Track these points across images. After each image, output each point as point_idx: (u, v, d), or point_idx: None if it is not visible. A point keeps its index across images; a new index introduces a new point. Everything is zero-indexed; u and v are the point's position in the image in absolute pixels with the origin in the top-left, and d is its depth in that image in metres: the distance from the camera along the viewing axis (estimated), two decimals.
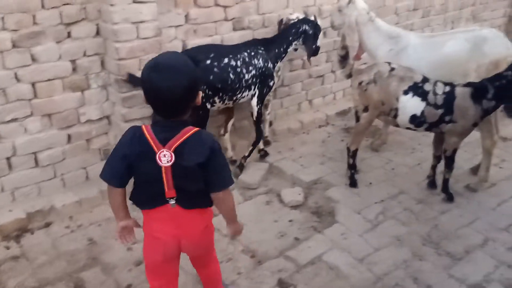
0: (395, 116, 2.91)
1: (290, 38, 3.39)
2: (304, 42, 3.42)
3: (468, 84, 2.81)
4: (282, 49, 3.38)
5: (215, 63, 2.96)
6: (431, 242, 2.65)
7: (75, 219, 2.81)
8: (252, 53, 3.17)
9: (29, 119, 2.72)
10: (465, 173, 3.39)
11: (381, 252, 2.56)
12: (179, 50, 3.21)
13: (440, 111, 2.79)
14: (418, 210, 2.95)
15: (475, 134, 3.73)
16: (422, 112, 2.81)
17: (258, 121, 3.35)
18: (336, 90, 4.57)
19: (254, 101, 3.26)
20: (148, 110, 2.95)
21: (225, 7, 3.36)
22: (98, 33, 2.82)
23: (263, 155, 3.57)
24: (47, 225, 2.75)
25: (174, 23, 3.13)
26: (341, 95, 4.65)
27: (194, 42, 3.26)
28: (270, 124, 3.91)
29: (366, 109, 2.95)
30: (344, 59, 3.02)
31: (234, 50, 3.14)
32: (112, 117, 3.03)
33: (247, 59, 3.12)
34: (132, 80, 2.81)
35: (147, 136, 1.59)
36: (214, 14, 3.32)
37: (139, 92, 2.90)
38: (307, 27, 3.40)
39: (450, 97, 2.78)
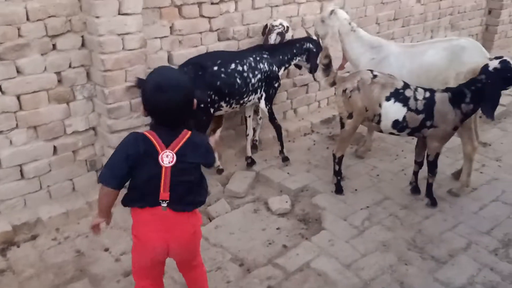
0: (379, 121, 2.98)
1: (294, 51, 3.56)
2: (308, 59, 3.63)
3: (446, 90, 2.91)
4: (286, 58, 3.55)
5: (222, 69, 3.11)
6: (416, 246, 2.71)
7: (62, 231, 2.78)
8: (258, 58, 3.33)
9: (14, 131, 2.70)
10: (447, 178, 3.48)
11: (367, 257, 2.60)
12: (165, 61, 3.24)
13: (421, 116, 2.88)
14: (403, 215, 3.01)
15: (456, 140, 3.84)
16: (404, 118, 2.89)
17: (272, 119, 3.55)
18: (321, 98, 4.64)
19: (263, 103, 3.44)
20: (134, 121, 2.96)
21: (209, 18, 3.40)
22: (83, 45, 2.83)
23: (250, 163, 3.61)
24: (34, 237, 2.71)
25: (160, 34, 3.16)
26: (325, 103, 4.73)
27: (179, 52, 3.30)
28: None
29: (350, 116, 3.02)
30: (327, 68, 3.09)
31: (240, 55, 3.31)
32: (98, 128, 3.03)
33: (253, 64, 3.29)
34: (141, 84, 2.87)
35: (151, 138, 1.72)
36: (199, 25, 3.36)
37: (125, 103, 2.91)
38: (311, 46, 3.61)
39: (430, 102, 2.87)
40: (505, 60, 2.73)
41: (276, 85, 3.49)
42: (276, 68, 3.46)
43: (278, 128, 3.60)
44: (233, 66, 3.16)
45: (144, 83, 1.80)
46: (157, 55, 3.17)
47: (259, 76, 3.30)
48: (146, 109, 1.75)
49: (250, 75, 3.25)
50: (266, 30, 3.61)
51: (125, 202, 1.82)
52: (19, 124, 2.70)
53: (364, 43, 3.47)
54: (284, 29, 3.58)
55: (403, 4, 5.03)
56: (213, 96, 3.08)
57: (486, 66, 2.76)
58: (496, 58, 2.79)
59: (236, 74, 3.17)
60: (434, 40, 3.54)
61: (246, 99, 3.30)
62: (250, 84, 3.25)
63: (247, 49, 3.51)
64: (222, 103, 3.17)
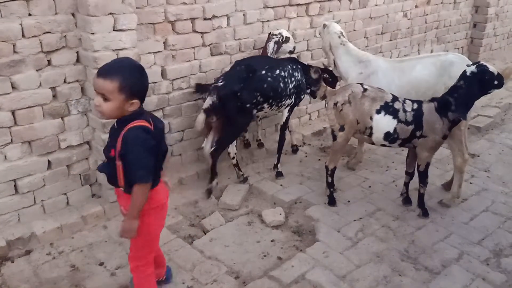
0: (370, 134, 3.05)
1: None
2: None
3: (432, 100, 3.00)
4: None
5: (269, 73, 3.40)
6: (409, 257, 2.75)
7: (56, 246, 2.77)
8: (294, 67, 3.62)
9: (9, 146, 2.70)
10: (437, 189, 3.54)
11: (362, 268, 2.63)
12: (159, 75, 3.29)
13: (411, 127, 2.95)
14: (395, 226, 3.05)
15: (445, 151, 3.93)
16: (395, 129, 2.96)
17: (283, 129, 3.76)
18: (311, 111, 4.71)
19: (287, 110, 3.67)
20: None
21: (202, 33, 3.46)
22: (78, 60, 2.85)
23: (295, 150, 4.08)
24: (28, 252, 2.69)
25: (153, 50, 3.21)
26: (316, 115, 4.80)
27: (172, 67, 3.35)
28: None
29: (342, 128, 3.07)
30: (316, 82, 3.16)
31: (282, 62, 3.59)
32: (93, 142, 3.04)
33: (290, 71, 3.56)
34: (200, 89, 3.34)
35: (149, 126, 1.93)
36: (192, 40, 3.42)
37: None
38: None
39: (418, 113, 2.95)
40: (482, 64, 2.83)
41: (302, 96, 3.74)
42: (305, 82, 3.69)
43: (282, 139, 3.75)
44: (277, 71, 3.45)
45: (132, 75, 1.89)
46: (151, 70, 3.21)
47: (294, 83, 3.57)
48: (138, 98, 1.90)
49: (289, 81, 3.52)
50: (268, 38, 3.75)
51: (153, 185, 2.00)
52: (13, 139, 2.70)
53: (352, 57, 3.56)
54: (282, 38, 3.71)
55: (390, 18, 5.16)
56: (258, 97, 3.34)
57: (464, 71, 2.85)
58: (474, 64, 2.88)
59: (280, 79, 3.44)
60: (422, 56, 3.63)
61: (283, 102, 3.56)
62: (288, 89, 3.52)
63: (284, 58, 3.78)
64: (265, 105, 3.44)
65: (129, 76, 1.86)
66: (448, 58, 3.28)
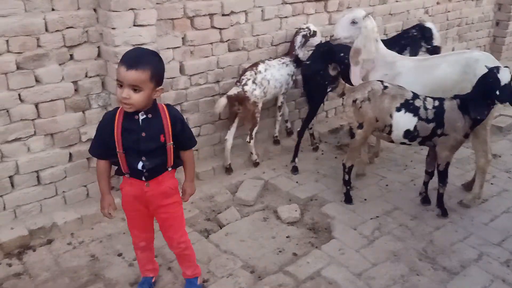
0: (390, 132, 3.01)
1: None
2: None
3: (455, 97, 2.93)
4: None
5: (347, 56, 3.44)
6: (427, 257, 2.71)
7: (76, 236, 2.83)
8: None
9: (32, 139, 2.77)
10: (457, 189, 3.48)
11: (378, 267, 2.61)
12: (177, 71, 3.33)
13: (431, 125, 2.91)
14: (413, 225, 3.01)
15: (465, 151, 3.86)
16: (415, 127, 2.92)
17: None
18: (328, 108, 4.68)
19: None
20: None
21: (220, 29, 3.48)
22: (99, 55, 2.90)
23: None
24: (49, 242, 2.76)
25: (172, 45, 3.24)
26: (333, 113, 4.77)
27: (190, 63, 3.37)
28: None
29: (360, 126, 3.05)
30: (335, 79, 3.12)
31: None
32: None
33: None
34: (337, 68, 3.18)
35: None
36: (210, 36, 3.43)
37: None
38: None
39: (440, 110, 2.90)
40: (497, 67, 2.74)
41: None
42: None
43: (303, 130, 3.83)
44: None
45: (158, 62, 1.95)
46: (169, 65, 3.24)
47: None
48: (161, 84, 1.97)
49: None
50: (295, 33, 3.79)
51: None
52: (36, 131, 2.77)
53: (379, 56, 3.36)
54: (310, 32, 3.73)
55: (411, 15, 5.08)
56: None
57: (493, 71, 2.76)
58: (496, 66, 2.81)
59: None
60: (445, 54, 3.49)
61: None
62: None
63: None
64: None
65: (157, 64, 1.93)
66: (473, 55, 3.20)
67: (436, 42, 3.99)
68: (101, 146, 2.05)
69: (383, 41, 3.59)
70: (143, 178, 2.06)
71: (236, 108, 3.49)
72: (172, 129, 2.02)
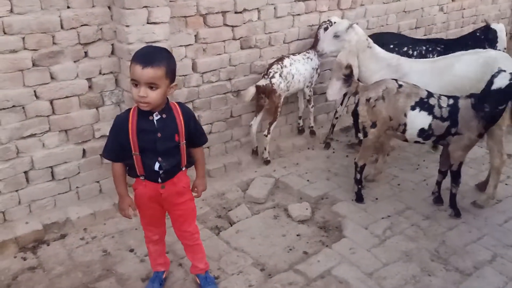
0: (404, 131, 2.98)
1: None
2: None
3: (470, 95, 2.89)
4: None
5: (396, 49, 3.74)
6: (439, 257, 2.69)
7: (89, 231, 2.87)
8: (430, 49, 3.80)
9: (47, 135, 2.80)
10: (471, 189, 3.44)
11: (390, 267, 2.59)
12: (189, 68, 3.34)
13: (446, 124, 2.88)
14: (426, 225, 2.99)
15: (479, 151, 3.81)
16: (430, 126, 2.90)
17: None
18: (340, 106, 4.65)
19: None
20: None
21: (233, 26, 3.47)
22: (113, 52, 2.93)
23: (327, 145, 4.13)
24: (63, 236, 2.80)
25: (185, 43, 3.25)
26: (345, 111, 4.73)
27: (203, 60, 3.38)
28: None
29: (374, 125, 3.02)
30: (348, 77, 3.09)
31: (416, 42, 3.87)
32: None
33: (423, 53, 3.77)
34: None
35: None
36: (222, 34, 3.43)
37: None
38: None
39: (454, 109, 2.87)
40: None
41: None
42: None
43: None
44: (405, 49, 3.75)
45: (171, 58, 1.96)
46: (182, 63, 3.25)
47: None
48: (175, 80, 1.98)
49: None
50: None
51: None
52: (51, 127, 2.81)
53: (380, 61, 3.36)
54: (330, 24, 3.73)
55: (425, 12, 5.01)
56: None
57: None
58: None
59: (405, 55, 3.59)
60: (457, 53, 3.38)
61: None
62: None
63: (422, 39, 4.05)
64: None
65: (170, 60, 1.95)
66: (491, 54, 3.15)
67: (500, 46, 3.91)
68: (116, 149, 2.04)
69: (447, 40, 3.79)
70: (159, 180, 2.07)
71: (263, 100, 3.57)
72: (185, 127, 2.04)
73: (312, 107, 4.07)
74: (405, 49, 3.80)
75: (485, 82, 3.02)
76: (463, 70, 3.15)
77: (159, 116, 1.98)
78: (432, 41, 4.02)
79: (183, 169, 2.14)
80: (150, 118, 1.97)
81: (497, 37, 3.93)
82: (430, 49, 3.66)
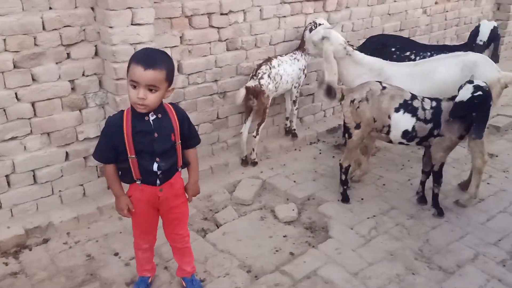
0: (388, 132, 3.02)
1: None
2: None
3: (452, 98, 2.93)
4: None
5: (398, 52, 3.77)
6: (423, 256, 2.72)
7: (72, 235, 2.82)
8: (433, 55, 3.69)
9: (29, 137, 2.76)
10: (453, 188, 3.49)
11: (374, 266, 2.61)
12: (175, 70, 3.30)
13: (429, 125, 2.92)
14: (410, 225, 3.02)
15: (462, 151, 3.87)
16: (413, 127, 2.93)
17: None
18: (326, 108, 4.68)
19: None
20: None
21: (219, 28, 3.47)
22: (96, 53, 2.89)
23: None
24: (45, 241, 2.75)
25: (170, 44, 3.23)
26: (331, 112, 4.77)
27: (189, 62, 3.37)
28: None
29: (358, 126, 3.05)
30: (329, 91, 3.06)
31: (421, 47, 3.85)
32: None
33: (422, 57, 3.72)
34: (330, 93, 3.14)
35: None
36: (208, 35, 3.43)
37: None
38: None
39: (437, 111, 2.91)
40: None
41: None
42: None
43: None
44: (407, 53, 3.73)
45: (170, 61, 1.96)
46: None
47: None
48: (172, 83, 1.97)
49: None
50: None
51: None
52: (33, 130, 2.76)
53: (362, 67, 3.36)
54: (315, 25, 3.76)
55: (409, 15, 5.09)
56: None
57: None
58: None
59: (406, 60, 3.61)
60: (439, 57, 3.42)
61: None
62: None
63: (428, 45, 4.09)
64: None
65: (171, 63, 1.94)
66: (471, 58, 3.19)
67: (479, 38, 3.96)
68: (108, 151, 2.00)
69: (453, 47, 3.84)
70: (158, 182, 2.05)
71: (252, 101, 3.57)
72: (180, 127, 2.04)
73: (296, 109, 4.08)
74: (407, 53, 3.75)
75: None
76: (444, 74, 3.19)
77: (154, 116, 1.97)
78: (437, 47, 4.02)
79: (179, 169, 2.14)
80: (146, 118, 1.96)
81: (479, 30, 4.00)
82: (435, 55, 3.56)
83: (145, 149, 1.97)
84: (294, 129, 4.15)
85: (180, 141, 2.07)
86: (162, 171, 2.03)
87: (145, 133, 1.96)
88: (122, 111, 2.00)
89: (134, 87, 1.86)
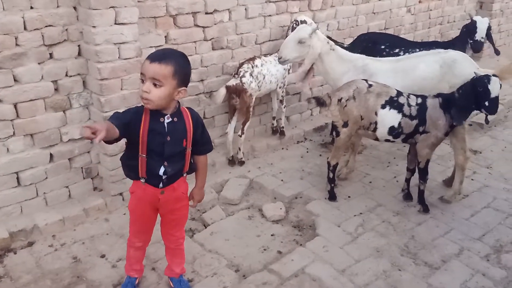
0: (375, 129, 3.04)
1: None
2: None
3: (438, 95, 2.99)
4: None
5: (387, 50, 3.84)
6: (409, 252, 2.75)
7: (58, 238, 2.79)
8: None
9: (11, 139, 2.71)
10: (438, 185, 3.54)
11: (361, 263, 2.64)
12: None
13: (415, 122, 2.96)
14: (396, 221, 3.05)
15: (447, 148, 3.93)
16: (399, 124, 2.97)
17: None
18: (313, 106, 4.70)
19: None
20: None
21: (204, 27, 3.46)
22: (80, 53, 2.86)
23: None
24: (30, 244, 2.71)
25: (155, 44, 3.21)
26: (318, 111, 4.79)
27: None
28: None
29: (345, 125, 3.07)
30: (322, 102, 3.08)
31: (411, 45, 3.90)
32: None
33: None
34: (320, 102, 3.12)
35: None
36: (193, 35, 3.42)
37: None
38: None
39: (422, 107, 2.95)
40: (487, 76, 2.81)
41: None
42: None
43: None
44: (397, 50, 3.81)
45: (184, 62, 1.93)
46: None
47: None
48: (185, 86, 1.94)
49: None
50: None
51: None
52: (16, 132, 2.72)
53: (346, 62, 3.36)
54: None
55: (393, 14, 5.14)
56: None
57: (473, 77, 2.86)
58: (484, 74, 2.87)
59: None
60: (418, 54, 3.47)
61: None
62: None
63: (419, 42, 4.17)
64: None
65: (183, 63, 1.91)
66: (450, 55, 3.24)
67: (478, 35, 4.05)
68: (123, 120, 1.90)
69: (442, 43, 3.91)
70: (160, 185, 2.05)
71: (234, 100, 3.57)
72: (193, 133, 2.03)
73: (284, 107, 4.09)
74: (397, 50, 3.84)
75: (445, 83, 3.13)
76: (424, 71, 3.23)
77: (170, 119, 1.96)
78: (427, 44, 4.09)
79: (184, 175, 2.14)
80: (161, 120, 1.95)
81: (476, 27, 4.08)
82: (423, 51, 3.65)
83: (155, 150, 1.97)
84: (283, 127, 4.15)
85: (190, 147, 2.06)
86: (167, 176, 2.04)
87: (157, 133, 1.95)
88: (143, 106, 1.97)
89: (143, 81, 1.88)
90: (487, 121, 3.13)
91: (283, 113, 4.12)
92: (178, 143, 2.00)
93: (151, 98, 1.85)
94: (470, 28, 4.12)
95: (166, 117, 1.95)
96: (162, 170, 2.01)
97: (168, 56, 1.89)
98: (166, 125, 1.96)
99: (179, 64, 1.89)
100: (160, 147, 1.97)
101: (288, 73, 3.94)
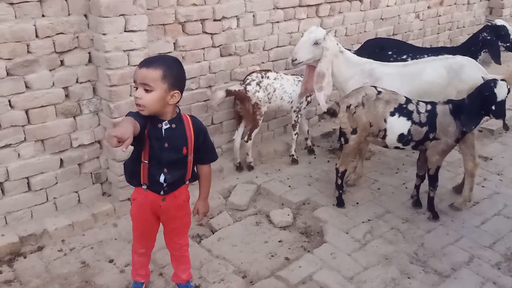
0: (384, 136, 3.03)
1: None
2: None
3: (448, 101, 2.97)
4: None
5: (395, 56, 3.84)
6: (418, 260, 2.72)
7: (67, 242, 2.81)
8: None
9: (23, 145, 2.75)
10: (448, 192, 3.50)
11: (369, 270, 2.61)
12: None
13: (424, 129, 2.94)
14: (405, 229, 3.03)
15: (457, 154, 3.88)
16: (409, 131, 2.95)
17: None
18: (321, 112, 4.69)
19: None
20: None
21: (212, 34, 3.48)
22: (90, 60, 2.90)
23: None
24: (40, 248, 2.74)
25: (164, 50, 3.23)
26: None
27: None
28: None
29: (354, 131, 3.06)
30: (333, 113, 3.10)
31: (416, 50, 3.91)
32: (104, 141, 3.09)
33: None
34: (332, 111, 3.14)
35: None
36: (202, 41, 3.44)
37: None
38: None
39: (432, 114, 2.93)
40: (494, 80, 2.78)
41: None
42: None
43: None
44: (404, 57, 3.80)
45: (174, 65, 1.93)
46: None
47: None
48: (179, 89, 1.93)
49: None
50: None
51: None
52: (27, 137, 2.76)
53: (353, 65, 3.37)
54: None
55: (402, 19, 5.12)
56: None
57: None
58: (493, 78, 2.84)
59: None
60: (428, 59, 3.47)
61: None
62: None
63: (426, 48, 4.20)
64: None
65: (172, 66, 1.91)
66: (458, 60, 3.22)
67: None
68: (137, 118, 1.88)
69: (451, 48, 3.90)
70: (162, 193, 2.06)
71: (238, 107, 3.58)
72: (195, 140, 2.02)
73: (295, 135, 3.91)
74: (404, 56, 3.85)
75: (452, 88, 3.10)
76: (432, 76, 3.21)
77: (168, 126, 1.96)
78: (435, 49, 4.06)
79: (186, 182, 2.14)
80: (159, 126, 1.95)
81: (508, 31, 4.05)
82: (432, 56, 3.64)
83: (154, 156, 1.98)
84: (293, 155, 3.92)
85: (192, 155, 2.05)
86: (168, 183, 2.04)
87: (155, 139, 1.96)
88: None
89: (136, 88, 1.90)
90: (506, 127, 3.06)
91: (294, 141, 3.92)
92: (177, 150, 1.99)
93: (143, 103, 1.86)
94: (500, 32, 4.05)
95: (164, 123, 1.95)
96: (162, 177, 2.01)
97: (156, 60, 1.91)
98: (163, 131, 1.96)
99: (169, 67, 1.89)
100: (158, 153, 1.97)
101: (306, 100, 3.85)
